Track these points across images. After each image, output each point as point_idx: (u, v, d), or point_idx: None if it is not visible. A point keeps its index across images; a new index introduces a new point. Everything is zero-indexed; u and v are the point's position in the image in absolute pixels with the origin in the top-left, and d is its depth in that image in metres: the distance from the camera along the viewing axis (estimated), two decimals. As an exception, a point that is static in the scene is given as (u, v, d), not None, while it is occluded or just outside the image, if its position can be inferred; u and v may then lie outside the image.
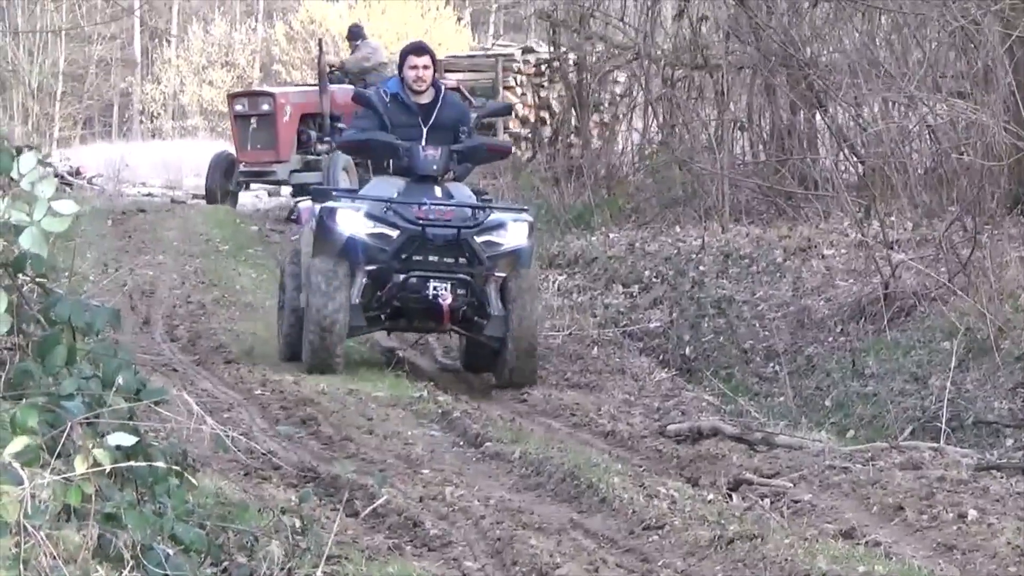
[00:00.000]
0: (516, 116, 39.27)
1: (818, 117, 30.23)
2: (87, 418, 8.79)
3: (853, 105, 27.90)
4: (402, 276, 17.93)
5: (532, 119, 38.65)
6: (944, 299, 19.90)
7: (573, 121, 37.32)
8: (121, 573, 8.39)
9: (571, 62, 36.81)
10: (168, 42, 71.94)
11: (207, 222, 33.22)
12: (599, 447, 16.73)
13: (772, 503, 13.17)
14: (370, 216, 17.94)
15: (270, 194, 36.88)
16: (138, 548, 8.73)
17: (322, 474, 14.23)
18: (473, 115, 19.97)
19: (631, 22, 35.70)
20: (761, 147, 32.87)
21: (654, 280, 26.86)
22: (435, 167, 18.33)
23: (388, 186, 18.52)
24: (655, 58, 34.32)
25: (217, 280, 27.05)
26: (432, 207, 17.95)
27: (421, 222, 17.70)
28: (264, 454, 14.75)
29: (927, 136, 26.49)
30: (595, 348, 23.44)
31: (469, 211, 18.28)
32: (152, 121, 67.62)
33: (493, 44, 49.53)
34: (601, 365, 22.06)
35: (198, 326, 23.19)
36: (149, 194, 39.91)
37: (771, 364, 21.66)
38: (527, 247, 18.70)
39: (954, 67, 27.23)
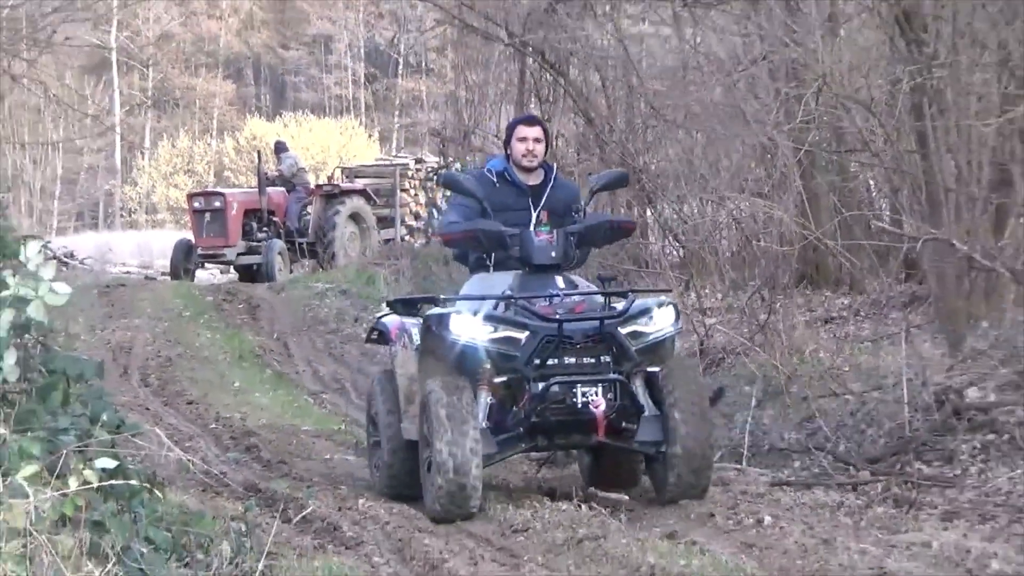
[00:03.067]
0: (410, 211, 40.89)
1: (649, 212, 28.93)
2: (78, 447, 9.04)
3: (676, 203, 27.62)
4: (540, 385, 12.14)
5: (423, 214, 39.56)
6: (746, 353, 19.98)
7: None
8: (106, 567, 8.54)
9: (456, 169, 36.67)
10: (142, 153, 74.36)
11: (173, 294, 32.95)
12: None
13: (612, 511, 13.16)
14: (490, 319, 12.29)
15: (221, 272, 37.44)
16: (119, 548, 8.96)
17: (263, 489, 14.47)
18: (585, 191, 13.84)
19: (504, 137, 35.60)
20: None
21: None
22: (553, 254, 12.66)
23: (496, 283, 12.84)
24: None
25: (181, 339, 26.78)
26: (563, 300, 12.46)
27: (556, 318, 12.13)
28: (217, 474, 14.93)
29: (734, 227, 26.44)
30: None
31: (600, 300, 12.70)
32: (130, 215, 70.28)
33: (395, 155, 50.42)
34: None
35: (165, 375, 23.07)
36: (128, 272, 40.83)
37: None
38: (675, 334, 13.06)
39: (755, 173, 26.73)
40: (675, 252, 27.88)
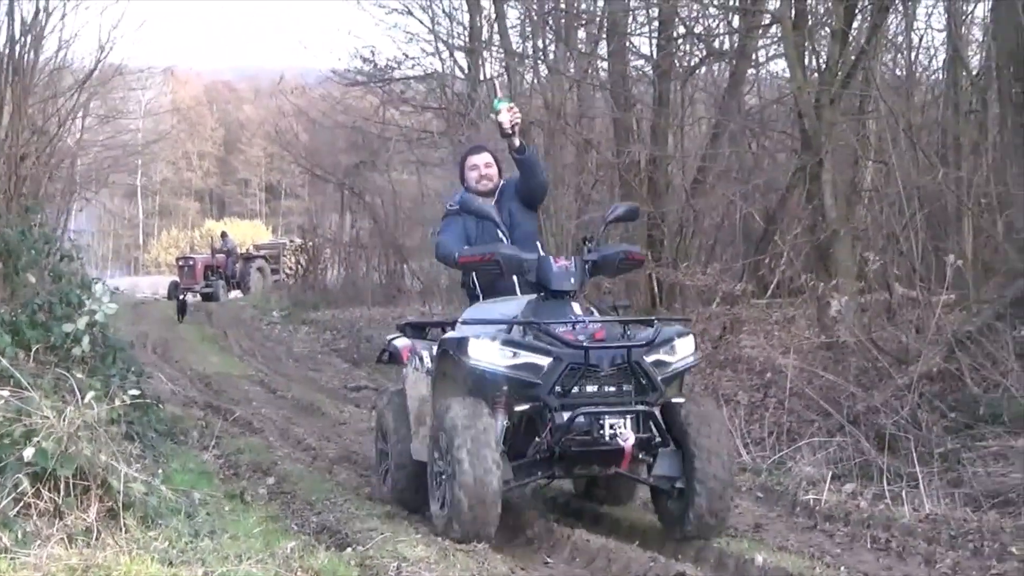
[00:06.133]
0: (286, 266, 44.63)
1: (405, 266, 32.47)
2: (119, 384, 9.92)
3: (417, 262, 29.97)
4: (566, 415, 8.62)
5: (294, 269, 42.38)
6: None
7: (312, 270, 40.19)
8: (134, 443, 9.51)
9: (312, 247, 40.72)
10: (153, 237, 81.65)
11: (169, 308, 36.53)
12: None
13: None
14: (510, 344, 8.79)
15: (193, 297, 41.06)
16: (142, 432, 10.44)
17: (213, 404, 16.11)
18: (603, 227, 9.79)
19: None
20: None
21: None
22: (572, 280, 9.16)
23: (502, 310, 9.41)
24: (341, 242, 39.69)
25: (172, 330, 29.99)
26: (584, 326, 8.91)
27: (582, 344, 8.66)
28: (190, 397, 16.78)
29: None
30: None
31: (620, 328, 9.10)
32: (147, 267, 75.78)
33: (279, 238, 59.72)
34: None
35: (164, 348, 25.47)
36: (145, 296, 46.02)
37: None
38: (695, 364, 9.64)
39: None
40: (419, 285, 30.43)
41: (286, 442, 13.17)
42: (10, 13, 23.62)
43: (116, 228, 74.42)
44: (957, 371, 11.66)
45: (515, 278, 9.30)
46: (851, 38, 16.76)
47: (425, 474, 9.06)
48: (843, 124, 16.60)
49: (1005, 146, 13.51)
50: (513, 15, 25.57)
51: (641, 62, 21.87)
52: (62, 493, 6.75)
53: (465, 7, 27.97)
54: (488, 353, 8.44)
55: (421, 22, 28.82)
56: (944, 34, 17.22)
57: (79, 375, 8.08)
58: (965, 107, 15.11)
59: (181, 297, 37.76)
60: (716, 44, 21.19)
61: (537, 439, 8.49)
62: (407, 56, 29.79)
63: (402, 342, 10.21)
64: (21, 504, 6.60)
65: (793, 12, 17.28)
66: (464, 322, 9.20)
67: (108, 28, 49.87)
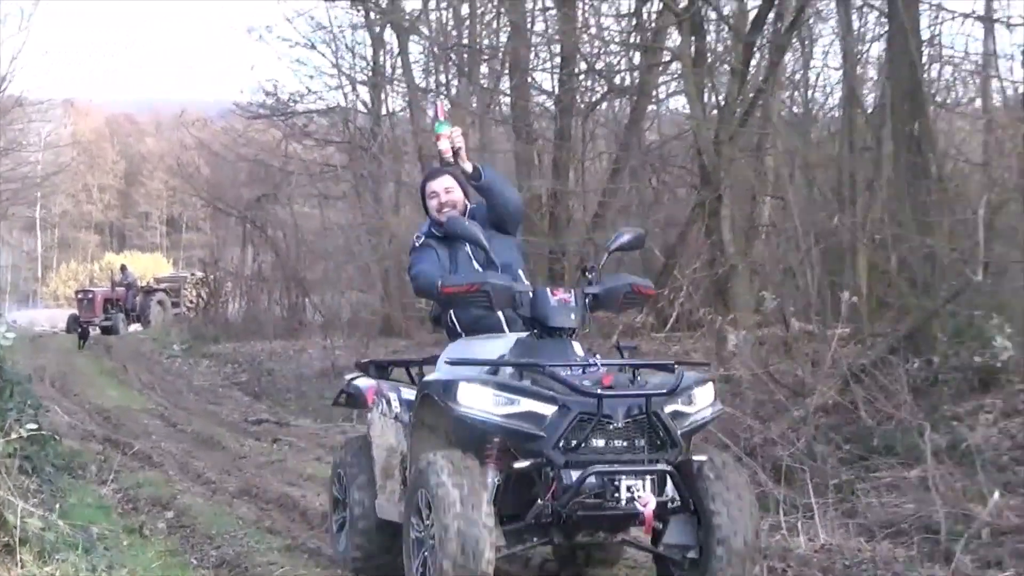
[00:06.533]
0: (187, 299, 44.63)
1: (307, 299, 32.25)
2: (16, 417, 9.77)
3: (320, 294, 30.37)
4: (574, 474, 6.98)
5: (195, 302, 42.57)
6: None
7: (213, 303, 39.57)
8: (31, 478, 9.73)
9: (213, 281, 40.15)
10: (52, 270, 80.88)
11: (66, 341, 37.21)
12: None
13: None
14: (506, 388, 7.12)
15: (93, 330, 39.95)
16: (39, 467, 10.49)
17: (111, 438, 15.96)
18: (605, 255, 8.13)
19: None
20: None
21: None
22: (572, 316, 7.47)
23: (487, 349, 7.76)
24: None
25: (70, 363, 29.69)
26: (595, 370, 7.28)
27: (595, 392, 6.97)
28: (88, 430, 16.55)
29: (348, 307, 28.46)
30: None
31: (630, 374, 7.45)
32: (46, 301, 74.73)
33: (180, 272, 56.63)
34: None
35: (62, 381, 25.07)
36: (43, 329, 45.02)
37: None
38: (716, 417, 7.80)
39: (359, 281, 28.36)
40: (320, 318, 30.43)
41: (186, 476, 13.09)
42: None
43: (14, 261, 73.55)
44: (852, 404, 11.59)
45: (501, 313, 7.82)
46: (749, 76, 16.97)
47: (389, 535, 7.99)
48: (741, 160, 16.78)
49: (898, 183, 13.59)
50: (416, 50, 26.28)
51: (543, 98, 22.19)
52: (-44, 528, 6.70)
53: (368, 42, 28.29)
54: (481, 400, 6.92)
55: (324, 56, 29.15)
56: (840, 73, 17.31)
57: None
58: (860, 144, 15.17)
59: (83, 326, 38.67)
60: (617, 80, 21.32)
61: (540, 501, 6.97)
62: (310, 90, 30.02)
63: (365, 382, 8.73)
64: (-86, 540, 6.60)
65: (693, 50, 17.44)
66: (450, 362, 7.60)
67: (8, 59, 49.12)
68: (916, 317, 12.76)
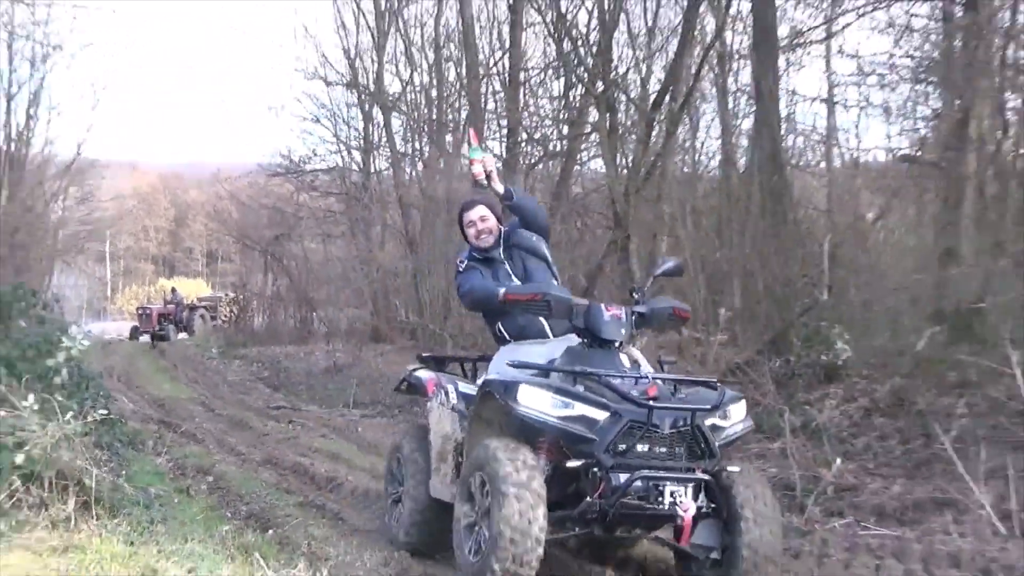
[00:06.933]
0: (223, 314, 42.88)
1: (315, 314, 31.41)
2: (92, 405, 8.97)
3: (326, 310, 28.95)
4: (622, 476, 6.20)
5: (228, 316, 41.12)
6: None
7: (242, 317, 38.84)
8: (104, 452, 9.09)
9: (242, 300, 39.72)
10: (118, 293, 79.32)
11: (130, 346, 35.90)
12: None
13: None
14: (563, 393, 6.31)
15: (150, 339, 39.38)
16: (108, 442, 9.86)
17: (165, 420, 15.44)
18: (650, 279, 7.28)
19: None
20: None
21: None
22: (623, 331, 6.73)
23: (544, 352, 6.99)
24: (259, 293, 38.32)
25: (133, 363, 28.32)
26: (646, 381, 6.44)
27: (647, 402, 6.22)
28: (145, 415, 16.08)
29: (345, 321, 27.01)
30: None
31: (672, 388, 6.66)
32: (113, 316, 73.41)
33: (216, 292, 55.59)
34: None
35: (128, 377, 23.74)
36: (112, 338, 43.13)
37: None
38: (747, 431, 6.87)
39: (355, 300, 27.11)
40: (324, 328, 29.60)
41: (222, 449, 12.89)
42: (7, 125, 23.71)
43: (89, 285, 73.02)
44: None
45: (544, 322, 7.07)
46: (651, 144, 16.84)
47: (441, 514, 7.18)
48: (645, 208, 16.60)
49: (764, 226, 13.61)
50: (397, 123, 25.86)
51: (497, 159, 21.91)
52: (46, 490, 6.67)
53: (360, 117, 28.01)
54: (539, 401, 6.19)
55: (326, 127, 28.88)
56: (719, 141, 17.30)
57: (60, 398, 7.77)
58: (735, 196, 14.98)
59: (147, 334, 39.65)
60: (551, 147, 21.29)
61: (588, 499, 6.19)
62: (315, 154, 29.80)
63: (426, 374, 7.96)
64: (14, 499, 6.53)
65: (608, 124, 17.43)
66: (513, 364, 6.68)
67: (83, 129, 49.69)
68: (777, 327, 12.75)
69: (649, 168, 16.30)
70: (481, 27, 22.31)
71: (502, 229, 7.39)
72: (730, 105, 16.89)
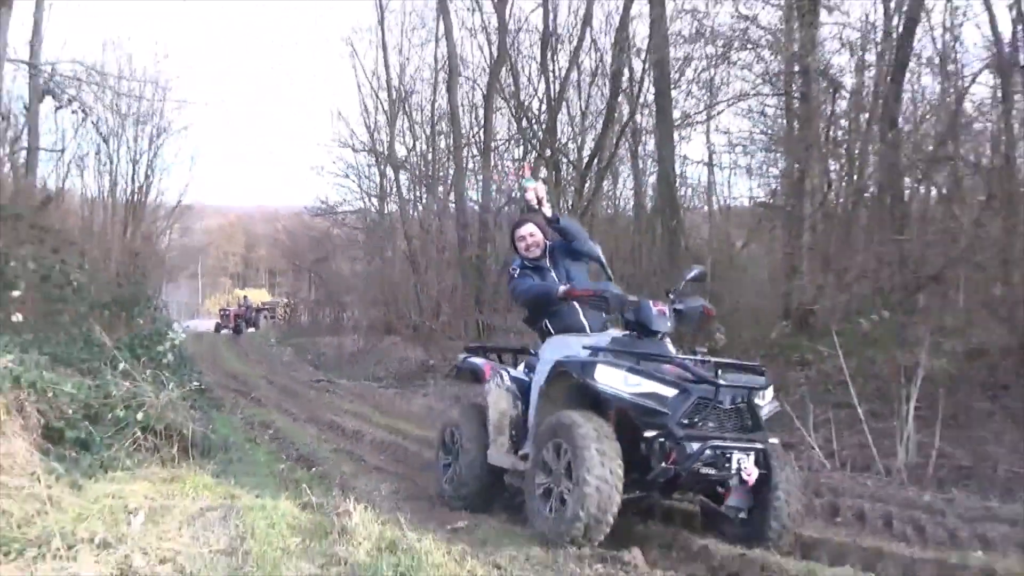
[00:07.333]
0: (280, 314, 42.53)
1: (344, 315, 30.33)
2: (188, 378, 9.59)
3: (354, 311, 27.73)
4: (695, 445, 5.24)
5: (283, 316, 41.23)
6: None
7: (293, 316, 38.53)
8: (195, 411, 8.19)
9: (293, 304, 39.78)
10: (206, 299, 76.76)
11: (214, 337, 35.13)
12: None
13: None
14: (635, 371, 5.37)
15: (228, 332, 38.62)
16: (201, 403, 9.50)
17: (240, 390, 15.05)
18: (682, 282, 6.15)
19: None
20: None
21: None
22: (669, 324, 5.85)
23: (591, 342, 5.85)
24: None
25: (215, 349, 27.93)
26: (704, 364, 5.55)
27: (715, 381, 5.34)
28: (225, 386, 15.49)
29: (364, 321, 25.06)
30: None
31: (715, 369, 5.46)
32: (203, 315, 71.93)
33: (276, 297, 54.51)
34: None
35: (212, 359, 23.04)
36: (202, 331, 42.06)
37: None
38: (774, 411, 5.78)
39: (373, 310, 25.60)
40: (351, 323, 28.20)
41: (279, 410, 12.56)
42: (133, 181, 24.85)
43: (186, 293, 72.22)
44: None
45: (584, 319, 6.19)
46: (584, 193, 16.75)
47: (491, 476, 6.44)
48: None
49: (664, 254, 13.59)
50: (404, 178, 25.66)
51: (473, 204, 21.94)
52: (158, 438, 6.64)
53: (377, 173, 27.54)
54: (614, 379, 5.39)
55: (353, 180, 28.41)
56: (632, 191, 17.12)
57: (166, 374, 7.81)
58: (643, 230, 14.99)
59: (236, 326, 39.26)
60: (513, 195, 20.09)
61: (662, 465, 5.32)
62: (345, 200, 29.25)
63: (480, 361, 7.01)
64: (136, 444, 6.51)
65: (554, 179, 17.23)
66: (588, 348, 5.73)
67: (184, 183, 50.30)
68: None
69: (583, 211, 16.28)
70: (463, 110, 22.09)
71: (547, 243, 6.58)
72: (640, 165, 16.79)
